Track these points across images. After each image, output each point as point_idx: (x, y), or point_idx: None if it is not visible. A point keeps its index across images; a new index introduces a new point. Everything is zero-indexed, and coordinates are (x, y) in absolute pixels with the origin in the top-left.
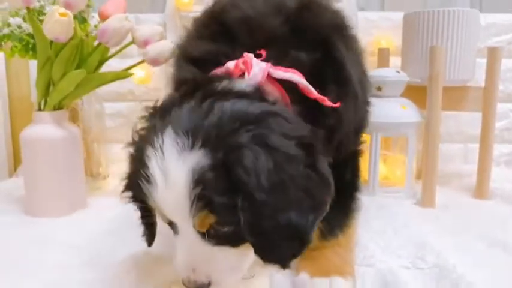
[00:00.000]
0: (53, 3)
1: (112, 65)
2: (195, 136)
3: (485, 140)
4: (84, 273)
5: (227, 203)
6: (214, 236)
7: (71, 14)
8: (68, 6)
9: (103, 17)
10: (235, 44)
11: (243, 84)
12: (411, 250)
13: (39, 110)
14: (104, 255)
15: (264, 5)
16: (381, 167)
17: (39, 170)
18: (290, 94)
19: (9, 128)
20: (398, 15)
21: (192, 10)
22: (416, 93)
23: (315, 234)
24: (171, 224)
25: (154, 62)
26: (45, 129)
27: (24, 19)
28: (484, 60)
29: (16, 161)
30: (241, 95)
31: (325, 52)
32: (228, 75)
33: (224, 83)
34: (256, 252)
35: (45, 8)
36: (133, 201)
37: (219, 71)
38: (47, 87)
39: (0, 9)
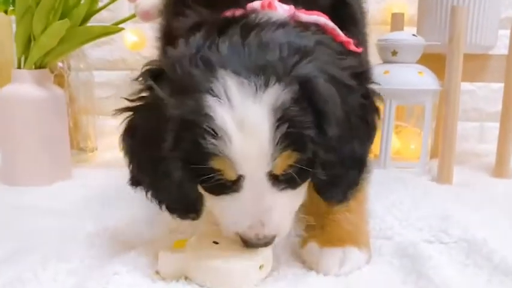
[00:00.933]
0: None
1: None
2: (264, 73)
3: (507, 112)
4: (62, 238)
5: (313, 136)
6: (283, 180)
7: None
8: None
9: None
10: None
11: (280, 16)
12: (433, 223)
13: (19, 68)
14: (86, 221)
15: None
16: (393, 140)
17: (17, 133)
18: None
19: None
20: None
21: None
22: (434, 61)
23: (321, 201)
24: (233, 181)
25: (146, 15)
26: (24, 88)
27: None
28: (507, 32)
29: None
30: (283, 25)
31: None
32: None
33: (260, 15)
34: (319, 189)
35: None
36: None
37: (236, 12)
38: (27, 41)
39: None
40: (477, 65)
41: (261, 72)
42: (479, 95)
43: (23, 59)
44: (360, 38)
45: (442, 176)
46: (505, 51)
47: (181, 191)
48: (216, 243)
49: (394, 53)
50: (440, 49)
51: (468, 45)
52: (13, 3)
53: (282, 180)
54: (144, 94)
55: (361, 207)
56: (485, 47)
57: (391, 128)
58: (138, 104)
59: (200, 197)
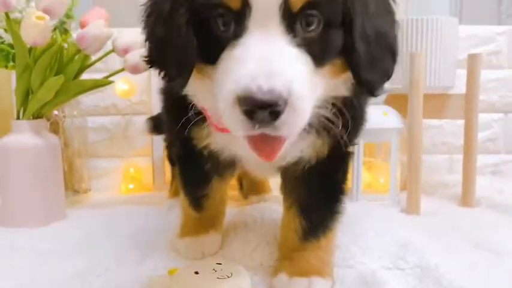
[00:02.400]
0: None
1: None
2: None
3: (468, 146)
4: (55, 277)
5: None
6: (301, 33)
7: (47, 17)
8: (46, 11)
9: (84, 27)
10: None
11: None
12: (392, 251)
13: (18, 118)
14: (78, 261)
15: None
16: (364, 174)
17: (16, 179)
18: None
19: None
20: None
21: None
22: (399, 101)
23: (294, 233)
24: (237, 18)
25: (134, 69)
26: (22, 137)
27: (5, 30)
28: (465, 71)
29: None
30: None
31: None
32: None
33: None
34: (358, 67)
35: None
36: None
37: None
38: (25, 95)
39: None
40: (438, 103)
41: None
42: (446, 129)
43: (21, 110)
44: None
45: (411, 207)
46: (464, 89)
47: (184, 44)
48: (197, 273)
49: None
50: (404, 90)
51: (428, 87)
52: (13, 59)
53: (301, 30)
54: None
55: (330, 244)
56: (444, 88)
57: (360, 163)
58: None
59: (194, 58)
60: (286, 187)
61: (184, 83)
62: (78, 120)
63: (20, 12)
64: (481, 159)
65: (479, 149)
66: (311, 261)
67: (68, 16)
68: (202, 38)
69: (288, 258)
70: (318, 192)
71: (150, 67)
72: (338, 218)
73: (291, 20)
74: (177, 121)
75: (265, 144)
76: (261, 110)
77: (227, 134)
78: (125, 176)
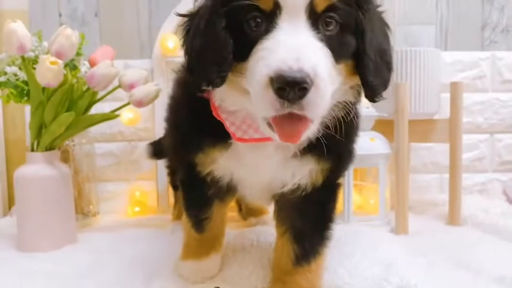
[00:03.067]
0: (46, 53)
1: (102, 108)
2: None
3: (454, 168)
4: None
5: None
6: (324, 29)
7: (60, 62)
8: (58, 55)
9: (93, 64)
10: None
11: None
12: (377, 272)
13: (32, 150)
14: (89, 284)
15: None
16: (355, 197)
17: (31, 207)
18: None
19: (5, 170)
20: None
21: (176, 55)
22: (386, 126)
23: (288, 258)
24: (269, 15)
25: (139, 103)
26: (37, 169)
27: (19, 68)
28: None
29: (10, 201)
30: None
31: None
32: None
33: None
34: (366, 70)
35: (39, 57)
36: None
37: None
38: (39, 129)
39: (0, 59)
40: (424, 128)
41: None
42: (435, 149)
43: (35, 143)
44: None
45: (399, 227)
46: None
47: (222, 45)
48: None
49: None
50: (391, 116)
51: (413, 113)
52: (27, 95)
53: (323, 30)
54: None
55: (319, 268)
56: (429, 114)
57: (351, 187)
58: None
59: (230, 61)
60: (280, 214)
61: (224, 80)
62: (86, 147)
63: (33, 51)
64: (469, 178)
65: (467, 168)
66: (302, 285)
67: (78, 53)
68: (236, 39)
69: (281, 281)
70: (311, 220)
71: (190, 75)
72: (328, 244)
73: (314, 18)
74: (183, 146)
75: (291, 125)
76: (291, 87)
77: (237, 150)
78: (131, 199)
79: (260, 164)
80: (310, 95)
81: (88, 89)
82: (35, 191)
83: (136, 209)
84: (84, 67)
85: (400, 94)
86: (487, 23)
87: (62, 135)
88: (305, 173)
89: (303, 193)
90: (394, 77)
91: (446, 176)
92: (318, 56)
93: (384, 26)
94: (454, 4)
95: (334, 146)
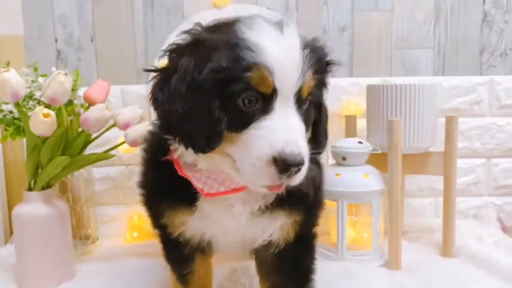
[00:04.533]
0: (40, 89)
1: (95, 142)
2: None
3: (447, 200)
4: None
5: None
6: (302, 109)
7: (53, 114)
8: (52, 101)
9: (88, 100)
10: None
11: None
12: None
13: (29, 189)
14: None
15: None
16: (349, 230)
17: (29, 245)
18: None
19: (5, 194)
20: (366, 81)
21: None
22: (381, 158)
23: None
24: (265, 99)
25: (134, 143)
26: (35, 208)
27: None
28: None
29: (12, 226)
30: None
31: None
32: None
33: None
34: (318, 135)
35: (33, 95)
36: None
37: None
38: (35, 169)
39: None
40: (419, 161)
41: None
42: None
43: (32, 182)
44: None
45: (391, 263)
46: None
47: (216, 120)
48: None
49: (344, 159)
50: (384, 150)
51: (408, 148)
52: (23, 131)
53: (301, 109)
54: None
55: None
56: (423, 148)
57: (344, 222)
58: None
59: (222, 131)
60: (262, 270)
61: (213, 149)
62: (85, 173)
63: (28, 87)
64: (465, 202)
65: (462, 192)
66: None
67: (73, 89)
68: (229, 113)
69: None
70: (291, 276)
71: (166, 135)
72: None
73: (299, 102)
74: (151, 209)
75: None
76: (293, 168)
77: (204, 210)
78: (129, 224)
79: (229, 222)
80: (302, 170)
81: (83, 131)
82: (33, 230)
83: (135, 234)
84: (79, 99)
85: (394, 130)
86: (485, 47)
87: (58, 175)
88: (276, 228)
89: (276, 249)
90: (388, 112)
91: (441, 199)
92: (303, 135)
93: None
94: (452, 28)
95: (304, 197)
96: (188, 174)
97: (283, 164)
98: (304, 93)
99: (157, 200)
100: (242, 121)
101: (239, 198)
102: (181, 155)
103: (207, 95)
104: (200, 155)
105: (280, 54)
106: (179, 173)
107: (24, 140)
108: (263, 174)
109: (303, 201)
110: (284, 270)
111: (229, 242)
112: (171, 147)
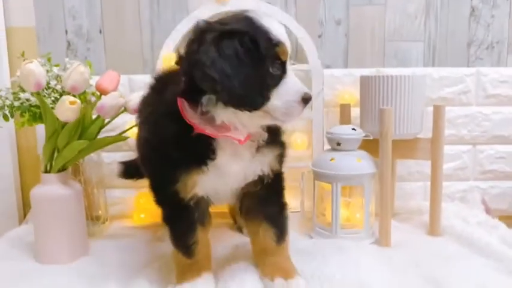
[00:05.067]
0: (56, 79)
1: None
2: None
3: (434, 183)
4: None
5: None
6: None
7: (79, 102)
8: (73, 89)
9: (99, 89)
10: None
11: None
12: None
13: (46, 171)
14: None
15: None
16: (342, 211)
17: (47, 224)
18: None
19: (19, 178)
20: (360, 72)
21: None
22: (373, 144)
23: (272, 240)
24: (282, 65)
25: (136, 111)
26: (52, 189)
27: (32, 94)
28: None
29: (25, 208)
30: None
31: None
32: None
33: None
34: None
35: (49, 83)
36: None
37: None
38: (52, 153)
39: (13, 81)
40: (408, 146)
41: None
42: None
43: (48, 165)
44: None
45: (382, 240)
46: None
47: (267, 80)
48: None
49: (338, 144)
50: (376, 136)
51: (398, 134)
52: (39, 118)
53: None
54: None
55: (287, 251)
56: (412, 134)
57: (338, 203)
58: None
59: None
60: (250, 213)
61: (265, 105)
62: (95, 157)
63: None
64: (452, 186)
65: (450, 177)
66: (285, 265)
67: None
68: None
69: (268, 265)
70: (276, 204)
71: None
72: (287, 221)
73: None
74: (162, 180)
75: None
76: (310, 101)
77: (217, 163)
78: (136, 206)
79: (237, 168)
80: None
81: (98, 116)
82: (50, 209)
83: (142, 215)
84: (91, 87)
85: (385, 119)
86: (473, 40)
87: (74, 158)
88: (266, 162)
89: (265, 181)
90: (380, 102)
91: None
92: None
93: None
94: (441, 22)
95: (278, 137)
96: (211, 130)
97: (307, 100)
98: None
99: (170, 166)
100: (275, 81)
101: (245, 144)
102: (210, 114)
103: (263, 62)
104: (238, 112)
105: (284, 35)
106: (199, 131)
107: (36, 127)
108: (295, 109)
109: (278, 140)
110: (271, 201)
111: (230, 188)
112: (187, 110)
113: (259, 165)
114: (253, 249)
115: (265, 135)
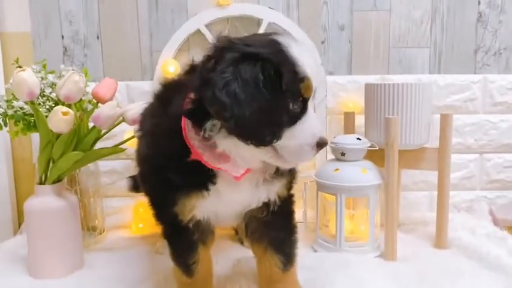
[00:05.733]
0: (52, 87)
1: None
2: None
3: (441, 194)
4: None
5: None
6: None
7: (72, 113)
8: (67, 99)
9: (96, 98)
10: None
11: None
12: None
13: (40, 183)
14: None
15: None
16: (347, 223)
17: (41, 237)
18: None
19: (14, 189)
20: (364, 79)
21: None
22: (379, 154)
23: (278, 267)
24: (304, 102)
25: (133, 122)
26: (46, 201)
27: (25, 102)
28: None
29: (20, 218)
30: None
31: None
32: None
33: None
34: None
35: (44, 91)
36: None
37: None
38: (47, 164)
39: (7, 88)
40: (414, 156)
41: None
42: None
43: (43, 176)
44: None
45: (387, 254)
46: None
47: (282, 117)
48: None
49: (343, 154)
50: (382, 146)
51: (404, 144)
52: (33, 126)
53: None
54: None
55: (296, 269)
56: (419, 144)
57: (343, 215)
58: None
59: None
60: (255, 235)
61: (274, 143)
62: (92, 166)
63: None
64: (458, 195)
65: (456, 186)
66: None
67: None
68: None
69: None
70: (283, 229)
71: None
72: (297, 246)
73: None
74: (161, 202)
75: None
76: (324, 146)
77: (217, 189)
78: (135, 215)
79: (237, 196)
80: None
81: (94, 127)
82: (45, 222)
83: (140, 225)
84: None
85: (391, 128)
86: (480, 46)
87: (69, 169)
88: (274, 190)
89: (272, 208)
90: (386, 110)
91: (435, 193)
92: None
93: None
94: (448, 28)
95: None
96: (209, 158)
97: (322, 145)
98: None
99: (169, 187)
100: (291, 119)
101: (247, 176)
102: (212, 141)
103: (283, 96)
104: (242, 145)
105: (314, 69)
106: (195, 156)
107: (32, 136)
108: (306, 153)
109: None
110: (278, 225)
111: (232, 213)
112: (189, 129)
113: (265, 192)
114: (258, 273)
115: (273, 170)
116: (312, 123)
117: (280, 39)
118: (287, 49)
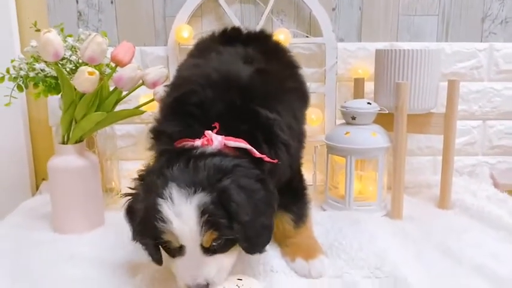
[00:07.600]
0: (71, 49)
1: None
2: (194, 186)
3: (446, 158)
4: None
5: (225, 223)
6: (212, 249)
7: (97, 73)
8: (91, 60)
9: (115, 61)
10: (196, 121)
11: (214, 148)
12: (372, 261)
13: (63, 143)
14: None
15: (213, 93)
16: (356, 184)
17: (65, 194)
18: (241, 153)
19: (31, 150)
20: (373, 46)
21: (190, 44)
22: (387, 118)
23: (289, 224)
24: (179, 248)
25: (153, 85)
26: (69, 160)
27: (47, 64)
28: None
29: (38, 179)
30: (213, 155)
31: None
32: (197, 147)
33: (199, 150)
34: (246, 250)
35: (65, 54)
36: (145, 240)
37: (188, 143)
38: (70, 125)
39: (26, 51)
40: (422, 121)
41: (193, 186)
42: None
43: (66, 136)
44: (277, 150)
45: (394, 213)
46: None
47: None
48: (240, 279)
49: (353, 118)
50: (390, 110)
51: (412, 108)
52: (55, 88)
53: (211, 250)
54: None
55: (310, 230)
56: (427, 109)
57: (352, 176)
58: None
59: (159, 254)
60: None
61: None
62: (108, 129)
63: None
64: (461, 161)
65: (459, 151)
66: (307, 245)
67: None
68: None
69: (289, 245)
70: (292, 194)
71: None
72: (309, 206)
73: (206, 249)
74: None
75: None
76: None
77: None
78: None
79: None
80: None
81: (115, 88)
82: (68, 180)
83: None
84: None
85: (401, 93)
86: (487, 15)
87: (91, 130)
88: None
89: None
90: (395, 76)
91: (440, 158)
92: (210, 269)
93: (266, 204)
94: None
95: None
96: None
97: None
98: (207, 244)
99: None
100: (170, 253)
101: None
102: None
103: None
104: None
105: (180, 224)
106: None
107: (48, 99)
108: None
109: None
110: (288, 191)
111: None
112: None
113: None
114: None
115: None
116: (184, 267)
117: (162, 192)
118: (158, 205)
